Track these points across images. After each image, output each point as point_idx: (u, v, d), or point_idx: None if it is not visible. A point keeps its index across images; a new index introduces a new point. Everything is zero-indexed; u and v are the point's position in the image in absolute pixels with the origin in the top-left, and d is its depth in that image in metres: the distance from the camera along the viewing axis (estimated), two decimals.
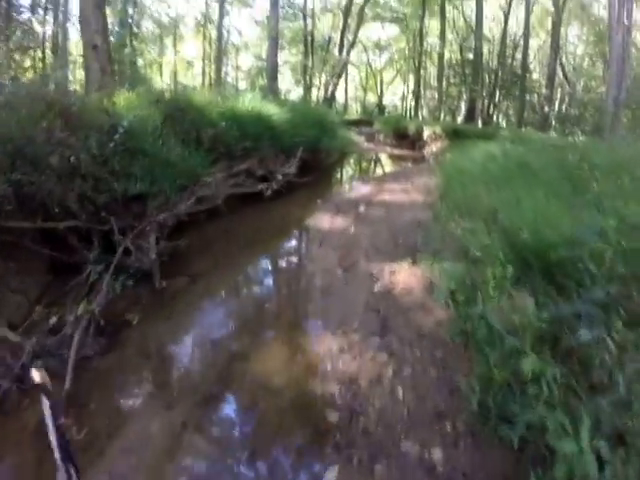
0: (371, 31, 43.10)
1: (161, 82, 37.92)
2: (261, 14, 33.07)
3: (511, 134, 19.42)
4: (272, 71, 30.78)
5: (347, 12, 26.65)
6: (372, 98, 49.45)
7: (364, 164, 18.93)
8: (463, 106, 40.50)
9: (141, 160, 7.17)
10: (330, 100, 26.10)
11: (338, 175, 15.78)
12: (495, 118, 30.27)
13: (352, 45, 26.89)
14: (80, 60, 20.12)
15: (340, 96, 45.56)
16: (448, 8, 32.40)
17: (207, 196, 8.80)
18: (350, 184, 13.44)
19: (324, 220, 9.06)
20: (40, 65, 24.42)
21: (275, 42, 29.86)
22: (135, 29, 37.06)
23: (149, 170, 7.16)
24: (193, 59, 44.15)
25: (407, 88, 46.27)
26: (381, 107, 44.47)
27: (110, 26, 35.61)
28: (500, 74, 28.19)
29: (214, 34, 37.50)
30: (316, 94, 29.12)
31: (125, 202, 6.69)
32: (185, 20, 42.81)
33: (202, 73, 40.75)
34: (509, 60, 29.46)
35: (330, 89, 25.99)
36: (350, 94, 49.89)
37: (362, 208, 9.80)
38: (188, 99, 10.28)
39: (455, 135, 21.05)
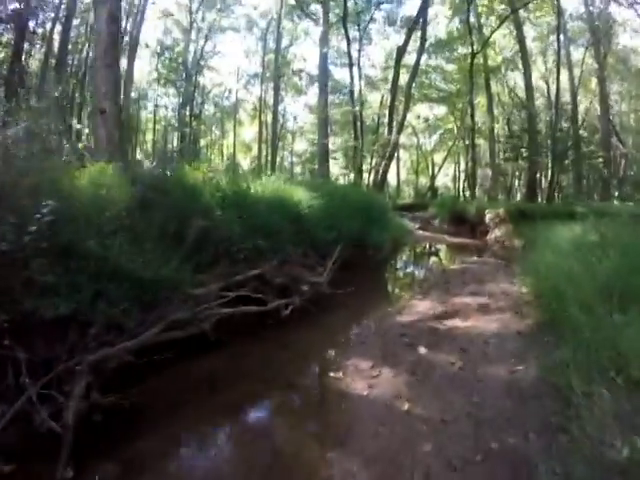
0: (419, 112, 40.35)
1: (220, 162, 37.76)
2: (314, 100, 30.90)
3: (587, 209, 15.57)
4: (322, 154, 27.99)
5: (394, 91, 23.44)
6: (424, 181, 46.12)
7: (420, 261, 14.81)
8: (516, 183, 36.94)
9: (76, 264, 4.57)
10: (381, 183, 22.69)
11: (388, 280, 11.70)
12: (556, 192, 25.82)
13: (401, 125, 23.51)
14: None
15: (392, 180, 43.07)
16: (491, 83, 29.62)
17: (186, 320, 5.56)
18: (404, 296, 9.27)
19: (358, 374, 5.14)
20: None
21: (324, 124, 27.20)
22: (197, 111, 36.99)
23: (92, 280, 4.58)
24: (251, 142, 42.62)
25: (458, 168, 43.11)
26: (434, 190, 41.03)
27: (174, 105, 36.29)
28: (555, 144, 23.93)
29: (270, 119, 37.46)
30: (367, 178, 25.75)
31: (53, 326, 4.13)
32: (244, 105, 43.51)
33: (258, 156, 38.98)
34: (561, 127, 25.43)
35: (381, 172, 22.53)
36: (402, 178, 47.03)
37: (422, 349, 5.74)
38: (177, 177, 6.96)
39: (521, 217, 17.17)
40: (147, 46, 32.77)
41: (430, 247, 16.91)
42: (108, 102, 9.45)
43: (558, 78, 23.75)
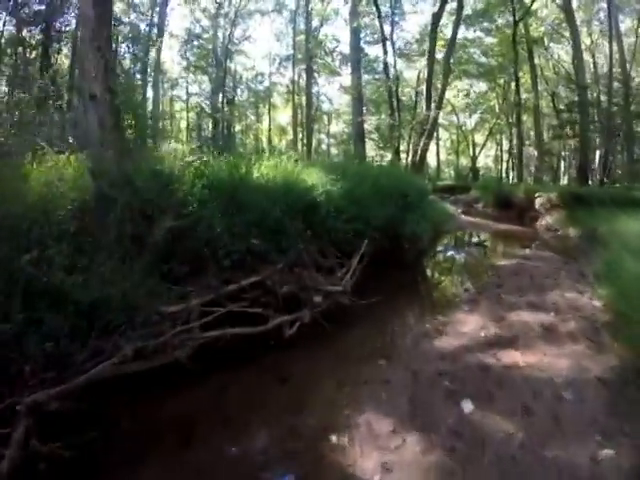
0: (458, 90, 37.85)
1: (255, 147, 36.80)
2: (349, 81, 28.98)
3: None
4: (357, 134, 26.33)
5: (431, 63, 21.73)
6: (464, 161, 43.58)
7: (464, 254, 12.27)
8: (562, 165, 34.26)
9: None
10: (420, 164, 20.76)
11: (426, 283, 9.52)
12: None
13: (441, 100, 21.66)
14: None
15: (431, 160, 40.93)
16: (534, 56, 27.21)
17: (154, 347, 4.22)
18: (445, 306, 7.24)
19: (371, 442, 3.47)
20: None
21: (358, 102, 25.47)
22: (230, 96, 36.03)
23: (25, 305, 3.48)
24: (286, 126, 41.31)
25: (500, 148, 40.49)
26: (475, 171, 38.45)
27: (206, 92, 35.33)
28: (610, 120, 21.40)
29: (304, 101, 35.89)
30: (405, 159, 23.84)
31: None
32: (277, 89, 41.72)
33: (294, 139, 37.54)
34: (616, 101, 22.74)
35: (420, 151, 20.57)
36: (442, 158, 44.60)
37: (467, 404, 3.90)
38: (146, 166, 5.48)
39: (576, 202, 15.07)
40: (172, 35, 32.12)
41: (475, 235, 14.82)
42: (99, 86, 8.37)
43: (611, 46, 21.22)
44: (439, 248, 12.29)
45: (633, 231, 8.49)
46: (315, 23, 34.53)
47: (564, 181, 31.02)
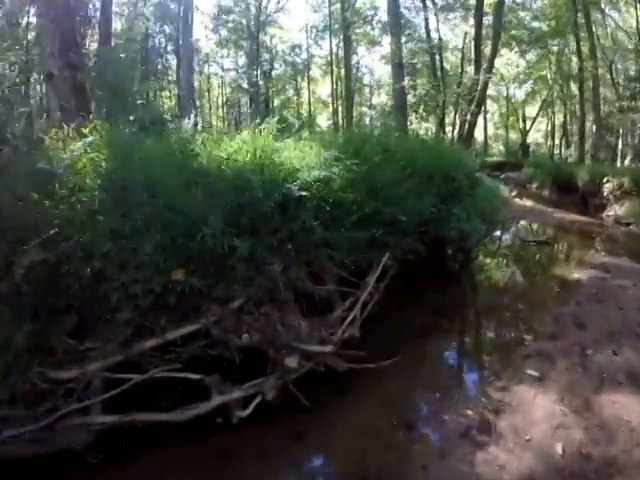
0: (508, 59, 33.97)
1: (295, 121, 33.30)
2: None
3: None
4: (398, 105, 23.36)
5: (479, 19, 18.73)
6: (514, 137, 39.68)
7: (524, 262, 8.95)
8: (620, 143, 30.25)
9: None
10: (468, 137, 17.74)
11: (470, 319, 6.37)
12: None
13: (491, 62, 18.55)
14: None
15: (479, 135, 37.42)
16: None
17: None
18: (497, 369, 4.44)
19: None
20: None
21: (399, 70, 22.36)
22: (266, 70, 34.03)
23: None
24: (327, 98, 38.38)
25: (552, 123, 36.40)
26: (525, 146, 34.76)
27: (241, 67, 33.20)
28: None
29: (343, 74, 32.44)
30: (451, 132, 20.88)
31: None
32: (316, 61, 38.42)
33: (333, 112, 35.04)
34: None
35: (468, 121, 17.56)
36: (489, 133, 40.79)
37: None
38: None
39: None
40: (197, 8, 29.06)
41: (534, 229, 11.80)
42: (57, 64, 7.26)
43: None
44: (491, 249, 9.33)
45: None
46: None
47: (625, 162, 27.37)
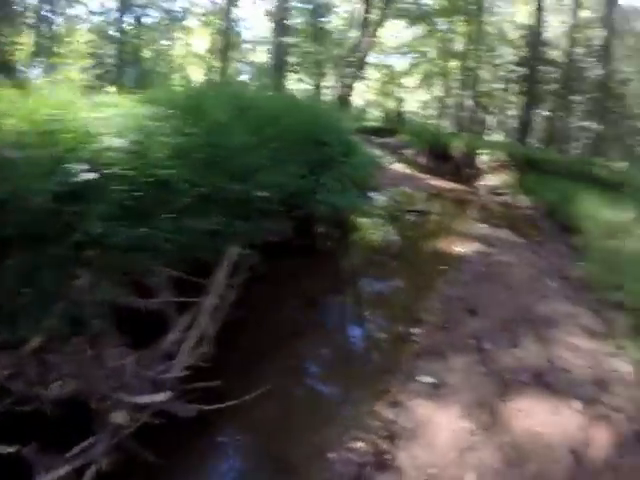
0: (394, 31, 33.86)
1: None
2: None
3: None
4: (276, 64, 22.00)
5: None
6: (392, 104, 39.78)
7: (405, 235, 7.67)
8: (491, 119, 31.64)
9: None
10: (344, 100, 16.80)
11: (346, 312, 5.07)
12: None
13: (374, 33, 17.88)
14: None
15: (359, 100, 36.95)
16: None
17: None
18: (384, 379, 3.40)
19: None
20: None
21: (280, 28, 20.98)
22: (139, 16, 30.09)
23: None
24: (204, 53, 35.02)
25: (431, 95, 36.87)
26: (401, 115, 34.97)
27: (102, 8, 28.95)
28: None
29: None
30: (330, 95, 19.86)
31: None
32: (195, 10, 33.70)
33: (208, 68, 31.77)
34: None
35: (346, 86, 16.68)
36: (370, 99, 40.50)
37: None
38: None
39: (529, 166, 12.32)
40: None
41: (412, 196, 10.90)
42: None
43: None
44: (369, 221, 8.10)
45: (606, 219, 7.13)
46: None
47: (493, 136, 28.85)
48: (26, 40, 24.17)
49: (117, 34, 28.89)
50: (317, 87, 20.38)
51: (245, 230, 3.58)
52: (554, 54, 21.52)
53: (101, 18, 31.11)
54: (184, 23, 33.88)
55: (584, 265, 6.06)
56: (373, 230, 7.62)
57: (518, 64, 21.04)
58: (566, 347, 3.97)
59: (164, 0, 32.44)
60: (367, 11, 18.05)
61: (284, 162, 4.44)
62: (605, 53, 19.28)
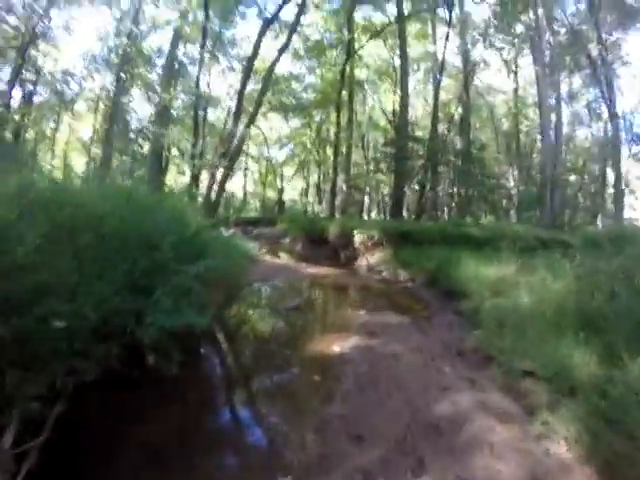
0: (272, 124, 35.18)
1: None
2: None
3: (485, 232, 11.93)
4: (156, 155, 20.97)
5: (243, 86, 17.78)
6: (272, 194, 39.91)
7: (272, 341, 6.02)
8: (366, 200, 32.70)
9: None
10: (219, 193, 16.12)
11: None
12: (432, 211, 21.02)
13: (252, 119, 17.34)
14: None
15: (238, 192, 36.75)
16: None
17: None
18: None
19: None
20: None
21: (163, 119, 20.27)
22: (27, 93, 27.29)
23: None
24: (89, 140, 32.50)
25: (307, 182, 37.71)
26: (281, 203, 35.06)
27: None
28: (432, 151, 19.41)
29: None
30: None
31: None
32: (86, 94, 31.64)
33: (90, 157, 30.01)
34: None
35: (219, 176, 15.98)
36: (249, 190, 40.42)
37: None
38: None
39: (403, 239, 12.01)
40: None
41: (286, 291, 9.42)
42: None
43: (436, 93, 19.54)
44: (230, 329, 6.63)
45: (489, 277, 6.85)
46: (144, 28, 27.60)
47: (371, 215, 29.53)
48: None
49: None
50: (195, 179, 19.39)
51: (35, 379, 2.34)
52: (419, 133, 23.19)
53: None
54: (73, 106, 31.62)
55: (478, 333, 5.44)
56: (236, 340, 6.19)
57: (386, 144, 22.17)
58: (485, 451, 3.09)
59: (60, 79, 30.39)
60: (241, 99, 17.72)
61: (99, 276, 3.29)
62: (464, 126, 21.10)
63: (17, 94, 25.85)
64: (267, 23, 18.56)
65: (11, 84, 25.50)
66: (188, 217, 6.04)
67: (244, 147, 31.82)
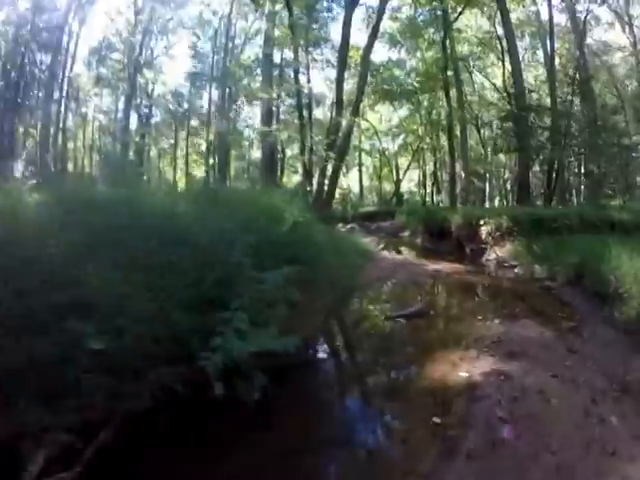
0: (382, 114, 34.74)
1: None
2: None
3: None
4: (267, 157, 20.88)
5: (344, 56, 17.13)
6: (388, 187, 38.63)
7: (381, 374, 4.60)
8: (488, 186, 30.15)
9: None
10: (330, 189, 15.37)
11: None
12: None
13: (356, 108, 16.84)
14: None
15: (355, 186, 37.13)
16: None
17: None
18: None
19: None
20: None
21: (268, 118, 20.10)
22: (143, 116, 31.38)
23: None
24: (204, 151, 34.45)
25: (424, 173, 35.90)
26: (399, 195, 33.60)
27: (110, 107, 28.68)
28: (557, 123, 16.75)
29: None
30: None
31: None
32: (196, 110, 34.88)
33: (208, 166, 31.09)
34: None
35: (330, 170, 15.27)
36: (365, 184, 39.47)
37: None
38: None
39: (537, 228, 10.27)
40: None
41: (405, 293, 8.06)
42: None
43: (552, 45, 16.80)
44: (333, 348, 5.47)
45: None
46: (238, 41, 29.82)
47: (494, 204, 27.14)
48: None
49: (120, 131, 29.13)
50: (307, 176, 18.83)
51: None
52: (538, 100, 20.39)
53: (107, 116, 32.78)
54: (188, 122, 34.31)
55: None
56: (329, 361, 5.00)
57: (504, 119, 19.41)
58: None
59: (170, 101, 33.51)
60: (339, 91, 16.86)
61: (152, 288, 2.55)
62: (585, 90, 17.97)
63: (134, 119, 28.41)
64: (351, 5, 17.70)
65: (127, 111, 28.45)
66: (285, 214, 5.18)
67: (356, 142, 31.58)
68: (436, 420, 3.37)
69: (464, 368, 4.23)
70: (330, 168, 15.70)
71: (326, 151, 15.68)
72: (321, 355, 5.04)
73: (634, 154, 18.00)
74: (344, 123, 15.69)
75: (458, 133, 22.00)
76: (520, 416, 3.33)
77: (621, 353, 4.54)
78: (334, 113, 17.65)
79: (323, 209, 13.81)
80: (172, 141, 36.01)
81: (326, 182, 15.68)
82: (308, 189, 16.25)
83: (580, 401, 3.54)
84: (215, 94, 30.85)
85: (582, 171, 19.20)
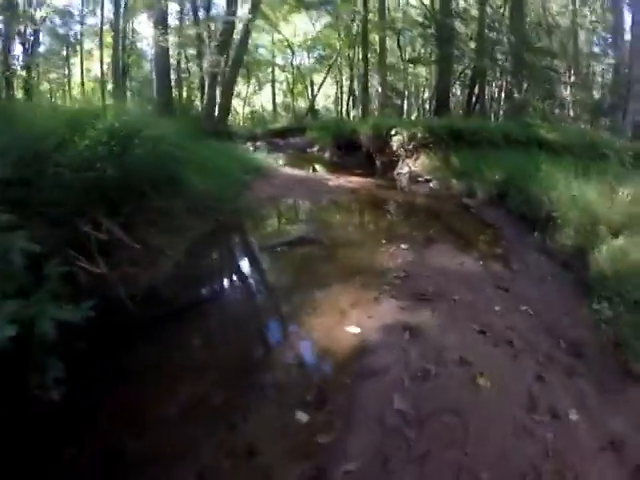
0: (296, 27, 31.44)
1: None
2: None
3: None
4: (160, 69, 17.86)
5: None
6: (303, 104, 36.26)
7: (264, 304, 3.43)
8: (406, 104, 28.65)
9: None
10: (226, 100, 13.22)
11: None
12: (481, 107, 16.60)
13: (254, 12, 13.52)
14: None
15: (268, 105, 35.00)
16: None
17: None
18: None
19: None
20: None
21: (163, 30, 16.89)
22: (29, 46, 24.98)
23: None
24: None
25: (340, 89, 33.59)
26: (314, 112, 31.47)
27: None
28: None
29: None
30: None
31: None
32: (91, 31, 28.30)
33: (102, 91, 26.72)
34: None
35: (223, 77, 13.04)
36: (279, 101, 36.84)
37: None
38: None
39: (454, 141, 9.06)
40: None
41: (297, 213, 6.70)
42: None
43: None
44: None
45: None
46: None
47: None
48: None
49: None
50: (201, 90, 16.32)
51: None
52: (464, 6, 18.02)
53: None
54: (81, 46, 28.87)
55: (600, 307, 2.94)
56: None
57: (425, 25, 16.98)
58: None
59: (59, 24, 27.70)
60: None
61: None
62: (516, 5, 15.34)
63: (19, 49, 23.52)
64: None
65: (7, 41, 22.93)
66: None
67: (269, 57, 28.54)
68: (300, 418, 2.04)
69: (354, 320, 2.86)
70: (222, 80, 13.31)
71: (214, 54, 13.11)
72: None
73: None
74: (240, 24, 13.13)
75: (377, 48, 20.01)
76: (431, 412, 1.96)
77: (561, 293, 3.46)
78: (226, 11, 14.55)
79: (217, 126, 11.90)
80: (66, 71, 30.91)
81: (218, 95, 13.35)
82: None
83: (521, 379, 2.24)
84: (108, 9, 26.20)
85: (503, 96, 17.77)
